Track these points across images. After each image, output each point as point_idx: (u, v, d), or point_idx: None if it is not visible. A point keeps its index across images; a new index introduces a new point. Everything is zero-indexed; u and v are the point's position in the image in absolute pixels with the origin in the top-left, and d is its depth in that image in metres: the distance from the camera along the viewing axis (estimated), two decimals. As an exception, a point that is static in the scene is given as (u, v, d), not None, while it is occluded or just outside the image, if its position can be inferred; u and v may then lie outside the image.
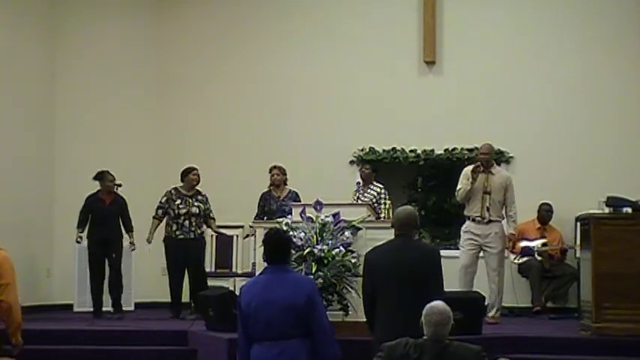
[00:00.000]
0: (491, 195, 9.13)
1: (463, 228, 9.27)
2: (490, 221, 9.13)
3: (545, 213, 10.73)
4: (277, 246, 5.66)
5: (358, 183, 9.85)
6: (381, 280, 5.94)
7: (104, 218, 9.90)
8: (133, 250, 10.16)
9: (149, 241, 9.93)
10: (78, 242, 10.05)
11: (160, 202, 9.96)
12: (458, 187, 9.26)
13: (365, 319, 6.27)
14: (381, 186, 9.84)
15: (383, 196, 9.75)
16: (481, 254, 9.20)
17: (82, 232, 9.98)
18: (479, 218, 9.12)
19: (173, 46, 11.99)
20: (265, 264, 5.77)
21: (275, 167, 9.86)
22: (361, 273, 7.40)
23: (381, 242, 6.34)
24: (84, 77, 11.59)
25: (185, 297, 9.99)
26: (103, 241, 9.89)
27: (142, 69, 11.89)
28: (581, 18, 11.19)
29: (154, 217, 9.98)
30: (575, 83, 11.14)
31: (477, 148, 10.61)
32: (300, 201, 9.02)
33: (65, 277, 10.94)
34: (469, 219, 9.22)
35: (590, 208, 8.35)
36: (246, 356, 5.60)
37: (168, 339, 8.49)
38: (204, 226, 10.01)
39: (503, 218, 9.28)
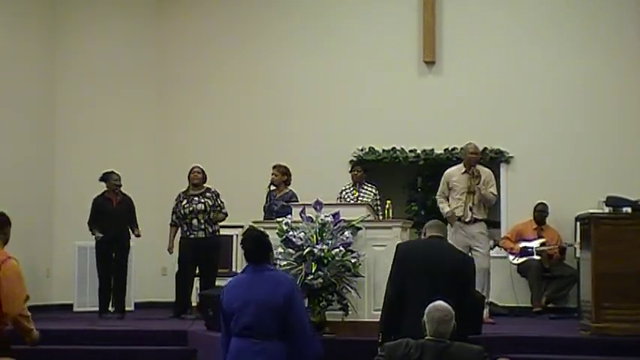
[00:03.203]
0: (475, 195, 9.15)
1: (448, 228, 9.24)
2: (474, 220, 9.16)
3: (538, 213, 10.73)
4: (252, 247, 5.61)
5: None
6: (414, 274, 5.87)
7: (112, 218, 9.90)
8: (137, 235, 10.01)
9: (170, 251, 9.96)
10: (97, 238, 9.85)
11: (173, 208, 9.97)
12: (439, 195, 9.35)
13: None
14: (374, 187, 9.87)
15: (378, 197, 9.78)
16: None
17: (96, 227, 9.92)
18: (462, 218, 9.15)
19: (173, 46, 12.00)
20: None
21: (274, 167, 9.85)
22: (361, 273, 7.45)
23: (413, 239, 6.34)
24: (84, 77, 11.60)
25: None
26: (111, 241, 9.89)
27: (142, 69, 11.90)
28: (581, 18, 11.19)
29: (170, 225, 9.98)
30: (575, 83, 11.13)
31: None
32: (296, 202, 9.02)
33: (65, 277, 10.93)
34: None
35: (589, 208, 8.35)
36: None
37: (168, 339, 8.48)
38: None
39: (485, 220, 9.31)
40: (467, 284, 5.94)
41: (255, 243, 5.62)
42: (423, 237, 6.27)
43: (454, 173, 9.34)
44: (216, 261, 9.95)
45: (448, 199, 9.31)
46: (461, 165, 9.41)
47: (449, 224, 9.09)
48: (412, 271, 5.90)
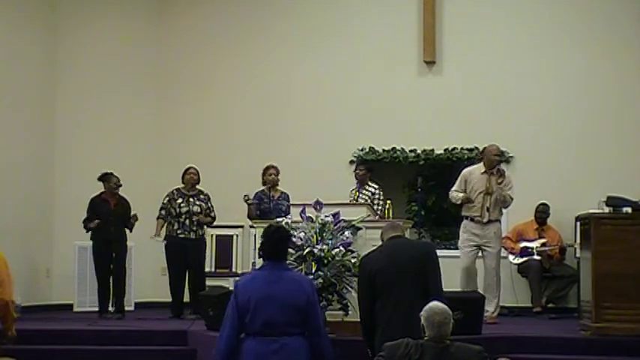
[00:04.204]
0: (492, 196, 9.12)
1: (462, 227, 9.26)
2: (489, 221, 9.13)
3: (540, 213, 10.72)
4: (278, 242, 5.65)
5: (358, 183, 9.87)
6: (381, 284, 5.88)
7: (109, 220, 9.88)
8: (133, 219, 9.97)
9: (156, 237, 9.89)
10: (94, 225, 9.77)
11: (163, 202, 9.96)
12: (454, 189, 9.21)
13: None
14: (376, 187, 9.83)
15: (377, 196, 9.72)
16: (479, 254, 9.20)
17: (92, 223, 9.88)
18: (478, 218, 9.12)
19: (173, 45, 12.01)
20: (262, 260, 5.76)
21: (272, 167, 9.83)
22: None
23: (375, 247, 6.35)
24: (84, 77, 11.60)
25: (185, 297, 9.99)
26: (108, 242, 9.88)
27: (142, 68, 11.90)
28: (582, 18, 11.19)
29: (157, 218, 9.97)
30: (575, 83, 11.13)
31: (477, 148, 10.64)
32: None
33: (65, 277, 10.93)
34: (467, 219, 9.20)
35: (590, 208, 8.35)
36: (230, 349, 5.52)
37: (168, 339, 8.47)
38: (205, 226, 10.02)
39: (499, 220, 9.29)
40: (430, 271, 5.88)
41: (279, 241, 5.65)
42: (382, 242, 6.21)
43: (473, 172, 9.24)
44: (204, 261, 10.09)
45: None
46: (480, 165, 9.30)
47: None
48: (389, 278, 5.87)
